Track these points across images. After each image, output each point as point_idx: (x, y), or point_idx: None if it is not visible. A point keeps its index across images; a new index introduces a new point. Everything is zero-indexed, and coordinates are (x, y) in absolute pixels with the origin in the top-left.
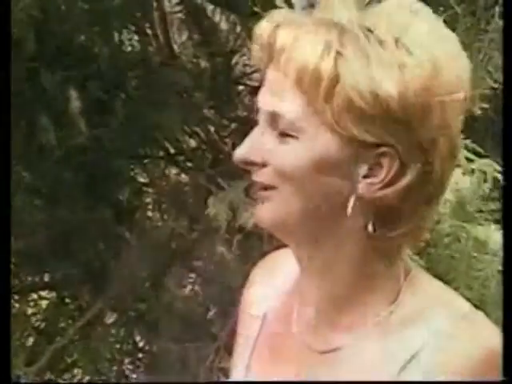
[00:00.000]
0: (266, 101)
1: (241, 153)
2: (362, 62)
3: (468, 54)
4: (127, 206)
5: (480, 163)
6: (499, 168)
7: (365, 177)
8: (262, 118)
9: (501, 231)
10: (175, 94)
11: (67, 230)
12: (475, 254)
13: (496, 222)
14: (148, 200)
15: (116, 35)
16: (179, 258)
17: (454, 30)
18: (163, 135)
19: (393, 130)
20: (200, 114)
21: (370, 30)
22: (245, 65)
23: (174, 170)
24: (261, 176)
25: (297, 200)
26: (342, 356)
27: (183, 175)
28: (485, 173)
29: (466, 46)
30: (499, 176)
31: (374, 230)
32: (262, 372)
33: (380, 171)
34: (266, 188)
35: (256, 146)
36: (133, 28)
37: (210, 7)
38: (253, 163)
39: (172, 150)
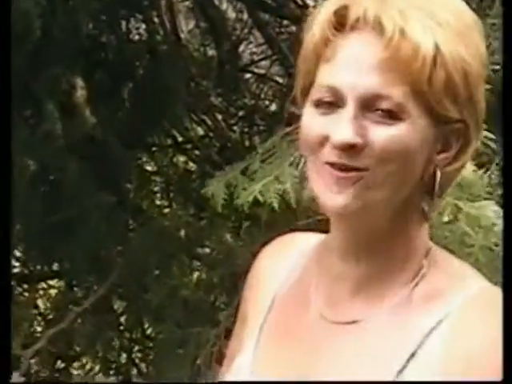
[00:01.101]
0: (362, 81)
1: (345, 136)
2: (448, 37)
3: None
4: (135, 195)
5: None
6: (493, 146)
7: (439, 152)
8: (355, 98)
9: (493, 207)
10: (182, 83)
11: (74, 219)
12: (467, 229)
13: (488, 198)
14: (156, 188)
15: (123, 24)
16: (186, 245)
17: None
18: (171, 123)
19: (467, 105)
20: (207, 101)
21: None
22: (252, 53)
23: (181, 158)
24: (354, 159)
25: (388, 184)
26: (362, 328)
27: (191, 163)
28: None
29: None
30: (493, 155)
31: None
32: (273, 345)
33: (451, 146)
34: (353, 169)
35: (357, 128)
36: (140, 17)
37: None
38: (355, 146)
39: (180, 138)
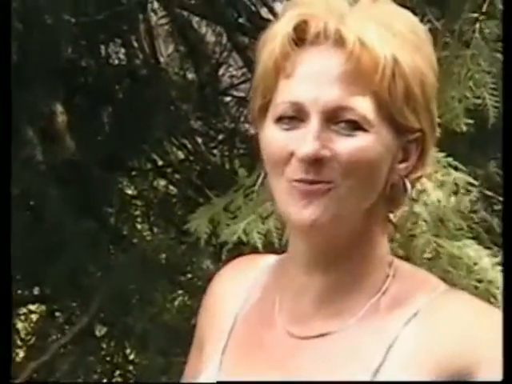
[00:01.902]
0: (325, 94)
1: (312, 149)
2: (405, 48)
3: (450, 70)
4: (116, 219)
5: (453, 176)
6: (473, 181)
7: (400, 162)
8: (319, 111)
9: (474, 246)
10: (162, 106)
11: (55, 244)
12: (450, 269)
13: (471, 237)
14: (137, 212)
15: (103, 48)
16: (168, 271)
17: (434, 45)
18: (151, 147)
19: (424, 114)
20: (187, 125)
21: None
22: (232, 76)
23: (162, 182)
24: (320, 172)
25: (355, 195)
26: (331, 340)
27: (171, 187)
28: (456, 185)
29: (447, 62)
30: (472, 189)
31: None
32: (238, 365)
33: (411, 156)
34: (321, 181)
35: (324, 141)
36: (119, 41)
37: (195, 19)
38: (322, 159)
39: (160, 162)
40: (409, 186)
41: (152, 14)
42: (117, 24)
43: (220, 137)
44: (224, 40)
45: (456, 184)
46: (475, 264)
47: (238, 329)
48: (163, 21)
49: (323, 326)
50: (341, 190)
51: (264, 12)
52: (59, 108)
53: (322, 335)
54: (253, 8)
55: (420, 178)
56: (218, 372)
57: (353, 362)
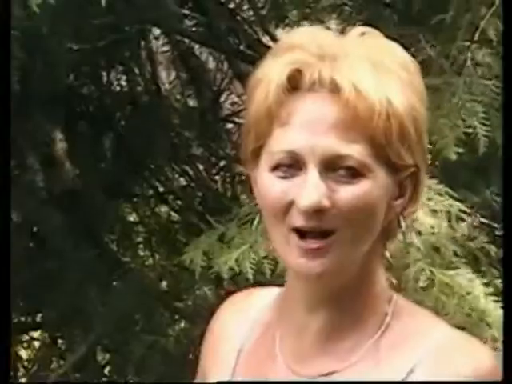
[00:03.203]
0: (322, 142)
1: (312, 200)
2: (398, 87)
3: (442, 98)
4: (117, 245)
5: (444, 204)
6: (465, 208)
7: (396, 198)
8: (317, 161)
9: (467, 275)
10: (164, 133)
11: (57, 270)
12: (443, 298)
13: (466, 265)
14: (138, 239)
15: (104, 75)
16: (168, 298)
17: (427, 73)
18: (152, 174)
19: (417, 149)
20: (189, 151)
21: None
22: (233, 103)
23: (163, 209)
24: (322, 221)
25: (357, 240)
26: (336, 381)
27: (173, 213)
28: (449, 212)
29: (439, 90)
30: (464, 216)
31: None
32: None
33: (407, 191)
34: (326, 236)
35: (323, 190)
36: (121, 68)
37: (196, 46)
38: (323, 208)
39: (161, 189)
40: (403, 221)
41: (153, 41)
42: (118, 51)
43: (221, 163)
44: (225, 67)
45: (449, 212)
46: (468, 293)
47: (242, 366)
48: (165, 48)
49: (326, 365)
50: (345, 238)
51: (265, 39)
52: (60, 135)
53: (325, 375)
54: (254, 35)
55: (415, 211)
56: None
57: None
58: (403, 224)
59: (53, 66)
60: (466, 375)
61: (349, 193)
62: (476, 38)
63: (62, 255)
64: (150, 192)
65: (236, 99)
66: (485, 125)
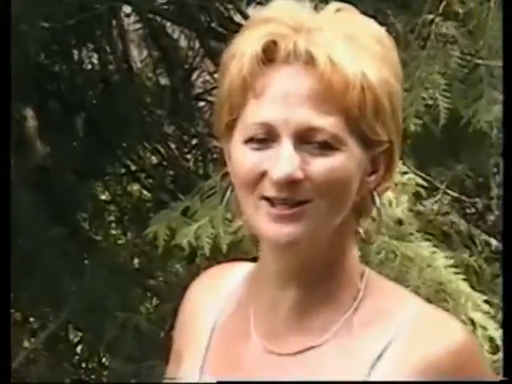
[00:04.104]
0: (296, 114)
1: (285, 171)
2: (373, 62)
3: (406, 72)
4: (90, 224)
5: (402, 178)
6: (422, 182)
7: (369, 174)
8: (290, 133)
9: (429, 248)
10: (136, 112)
11: (28, 250)
12: (404, 268)
13: (424, 239)
14: (110, 218)
15: (75, 54)
16: (140, 276)
17: (396, 48)
18: (124, 152)
19: (392, 125)
20: (160, 130)
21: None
22: (205, 81)
23: (135, 187)
24: (296, 192)
25: (331, 212)
26: (310, 357)
27: (145, 192)
28: (405, 184)
29: (404, 64)
30: (421, 190)
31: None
32: (219, 367)
33: (380, 167)
34: (298, 204)
35: (296, 162)
36: (92, 46)
37: (168, 24)
38: (296, 180)
39: (133, 167)
40: (377, 197)
41: (125, 19)
42: (89, 29)
43: (193, 141)
44: (197, 45)
45: (413, 185)
46: (429, 266)
47: (215, 344)
48: (136, 26)
49: (300, 342)
50: (318, 209)
51: (237, 18)
52: (31, 113)
53: (299, 352)
54: (225, 13)
55: (388, 188)
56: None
57: (334, 379)
58: (377, 201)
59: (23, 44)
60: (439, 349)
61: (322, 165)
62: (440, 10)
63: (32, 234)
64: (122, 170)
65: (208, 77)
66: (446, 97)
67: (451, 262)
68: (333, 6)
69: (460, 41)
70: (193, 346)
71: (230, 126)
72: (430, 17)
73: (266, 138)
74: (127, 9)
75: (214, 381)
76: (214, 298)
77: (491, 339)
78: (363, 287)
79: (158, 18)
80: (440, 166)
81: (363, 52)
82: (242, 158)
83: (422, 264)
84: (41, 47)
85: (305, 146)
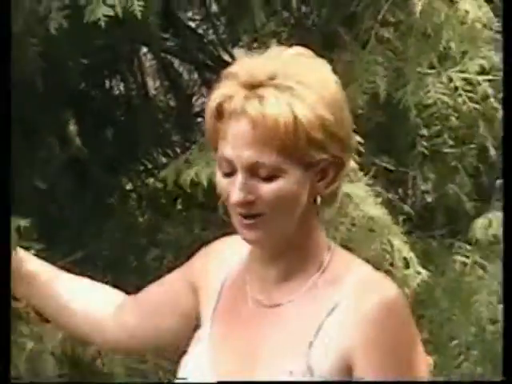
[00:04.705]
0: (244, 154)
1: (239, 197)
2: (304, 102)
3: (352, 68)
4: (117, 207)
5: None
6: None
7: (319, 180)
8: (242, 167)
9: (364, 187)
10: (151, 125)
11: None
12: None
13: (360, 180)
14: (132, 203)
15: (107, 82)
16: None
17: (343, 50)
18: (142, 155)
19: (333, 145)
20: (169, 139)
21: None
22: (202, 103)
23: (151, 180)
24: (252, 209)
25: (283, 218)
26: (287, 308)
27: (158, 183)
28: None
29: (351, 62)
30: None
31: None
32: (224, 334)
33: (328, 174)
34: (254, 216)
35: (247, 189)
36: (119, 77)
37: (175, 61)
38: (248, 202)
39: (149, 166)
40: (318, 200)
41: (143, 57)
42: (117, 64)
43: (193, 147)
44: (195, 76)
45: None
46: (362, 203)
47: (222, 300)
48: (152, 62)
49: (281, 298)
50: (271, 218)
51: (226, 57)
52: (73, 127)
53: (281, 304)
54: (215, 53)
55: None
56: (209, 339)
57: (295, 333)
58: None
59: (69, 75)
60: (376, 302)
61: (267, 189)
62: (379, 19)
63: (72, 211)
64: (141, 168)
65: (204, 100)
66: (383, 80)
67: (380, 199)
68: (294, 50)
69: (395, 42)
70: (207, 296)
71: (215, 150)
72: (370, 23)
73: (228, 169)
74: (144, 49)
75: (220, 331)
76: (227, 261)
77: (404, 258)
78: (328, 257)
79: (168, 56)
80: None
81: (296, 96)
82: (218, 180)
83: (357, 200)
84: (82, 77)
85: (254, 176)
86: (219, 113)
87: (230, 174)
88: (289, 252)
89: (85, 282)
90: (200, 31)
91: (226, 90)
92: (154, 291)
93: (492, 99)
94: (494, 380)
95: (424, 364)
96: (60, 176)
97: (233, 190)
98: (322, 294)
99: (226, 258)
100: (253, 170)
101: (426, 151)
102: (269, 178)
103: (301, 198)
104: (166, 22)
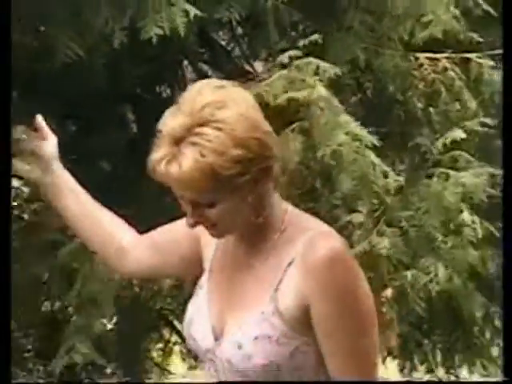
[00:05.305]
0: (185, 194)
1: (190, 222)
2: (217, 150)
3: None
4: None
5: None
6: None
7: (253, 187)
8: (186, 202)
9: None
10: None
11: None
12: None
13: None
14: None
15: (157, 88)
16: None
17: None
18: None
19: (252, 166)
20: None
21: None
22: None
23: None
24: (205, 224)
25: (233, 224)
26: (256, 262)
27: None
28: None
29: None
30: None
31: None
32: (216, 280)
33: (259, 181)
34: (209, 227)
35: (195, 216)
36: (166, 83)
37: (209, 71)
38: (200, 222)
39: None
40: (250, 199)
41: (185, 69)
42: (166, 73)
43: None
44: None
45: None
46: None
47: (216, 256)
48: (192, 73)
49: (251, 254)
50: (221, 226)
51: (247, 67)
52: (131, 120)
53: (251, 259)
54: (240, 64)
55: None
56: (208, 282)
57: (264, 282)
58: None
59: (127, 80)
60: (322, 254)
61: (211, 213)
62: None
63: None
64: None
65: None
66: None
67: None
68: (205, 96)
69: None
70: (207, 255)
71: None
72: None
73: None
74: (186, 61)
75: (214, 277)
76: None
77: (366, 145)
78: (286, 220)
79: (204, 67)
80: None
81: (214, 145)
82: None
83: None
84: (137, 83)
85: (199, 206)
86: (155, 173)
87: (183, 200)
88: (252, 228)
89: (111, 215)
90: (228, 48)
91: (156, 155)
92: (162, 232)
93: (451, 72)
94: (494, 380)
95: (371, 315)
96: (121, 158)
97: (186, 216)
98: (282, 250)
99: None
100: (196, 203)
101: (402, 113)
102: (209, 206)
103: (239, 208)
104: (202, 40)
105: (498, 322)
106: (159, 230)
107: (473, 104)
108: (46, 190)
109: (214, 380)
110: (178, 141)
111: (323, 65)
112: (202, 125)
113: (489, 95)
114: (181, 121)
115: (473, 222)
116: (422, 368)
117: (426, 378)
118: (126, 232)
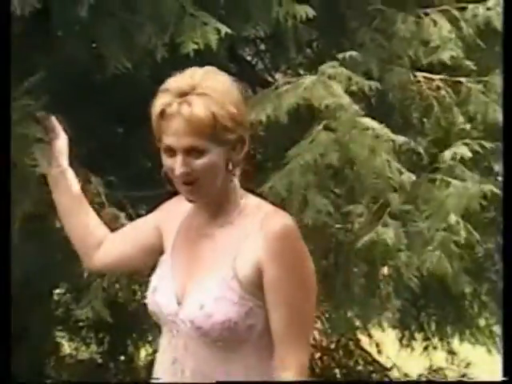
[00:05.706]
0: (182, 141)
1: (180, 170)
2: (217, 102)
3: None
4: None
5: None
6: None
7: (230, 153)
8: (180, 150)
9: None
10: None
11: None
12: None
13: None
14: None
15: None
16: None
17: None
18: None
19: (238, 128)
20: None
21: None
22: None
23: None
24: (189, 177)
25: (210, 182)
26: (218, 235)
27: None
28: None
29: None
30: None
31: (233, 171)
32: (179, 253)
33: (235, 147)
34: (192, 183)
35: (185, 164)
36: None
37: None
38: (186, 172)
39: None
40: (230, 166)
41: None
42: None
43: None
44: (250, 92)
45: None
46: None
47: (179, 234)
48: None
49: (213, 229)
50: (202, 183)
51: (270, 78)
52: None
53: (211, 234)
54: (262, 76)
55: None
56: (171, 254)
57: (225, 255)
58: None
59: (149, 90)
60: (276, 229)
61: (198, 163)
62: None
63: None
64: None
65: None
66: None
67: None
68: (203, 70)
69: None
70: (169, 236)
71: (160, 141)
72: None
73: (171, 152)
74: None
75: (177, 251)
76: (181, 213)
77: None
78: (243, 203)
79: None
80: None
81: (215, 99)
82: (164, 160)
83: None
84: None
85: (188, 156)
86: (162, 115)
87: (171, 155)
88: (216, 203)
89: (93, 215)
90: (253, 62)
91: (165, 100)
92: (126, 228)
93: (443, 91)
94: (494, 380)
95: (313, 285)
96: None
97: (176, 166)
98: (239, 225)
99: (181, 209)
100: (188, 152)
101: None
102: (198, 156)
103: (220, 165)
104: (231, 55)
105: (484, 297)
106: (125, 227)
107: (460, 118)
108: (49, 180)
109: (175, 340)
110: (183, 94)
111: (354, 76)
112: (205, 83)
113: (473, 113)
114: (187, 80)
115: (457, 222)
116: (419, 336)
117: (424, 344)
118: (101, 230)
